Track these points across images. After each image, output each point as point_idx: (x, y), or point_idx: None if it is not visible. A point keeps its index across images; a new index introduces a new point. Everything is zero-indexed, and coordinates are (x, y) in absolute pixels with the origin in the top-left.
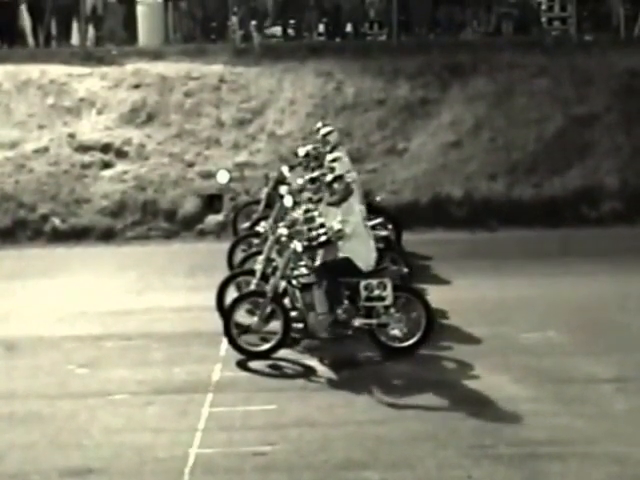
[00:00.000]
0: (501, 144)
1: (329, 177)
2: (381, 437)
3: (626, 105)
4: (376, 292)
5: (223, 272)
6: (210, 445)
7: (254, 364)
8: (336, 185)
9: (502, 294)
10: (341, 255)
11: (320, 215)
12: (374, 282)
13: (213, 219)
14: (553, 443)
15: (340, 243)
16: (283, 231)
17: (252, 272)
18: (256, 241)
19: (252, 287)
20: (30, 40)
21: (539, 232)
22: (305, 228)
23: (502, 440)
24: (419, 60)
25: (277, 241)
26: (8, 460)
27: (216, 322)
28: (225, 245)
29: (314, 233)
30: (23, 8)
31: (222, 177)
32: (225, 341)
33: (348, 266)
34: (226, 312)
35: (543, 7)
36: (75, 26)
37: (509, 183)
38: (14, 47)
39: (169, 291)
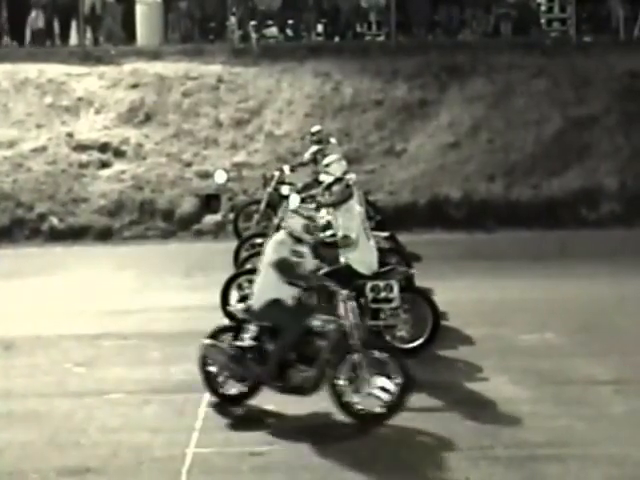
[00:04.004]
0: (499, 145)
1: (329, 180)
2: (380, 438)
3: (625, 107)
4: (383, 294)
5: (221, 272)
6: (207, 445)
7: None
8: (335, 187)
9: (500, 295)
10: (342, 261)
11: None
12: (381, 284)
13: (210, 219)
14: (552, 445)
15: (342, 249)
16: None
17: (256, 271)
18: (260, 241)
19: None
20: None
21: (537, 233)
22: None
23: (500, 442)
24: (417, 61)
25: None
26: (6, 459)
27: (213, 321)
28: (223, 245)
29: (320, 235)
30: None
31: (220, 177)
32: None
33: (348, 273)
34: (230, 312)
35: (542, 8)
36: (74, 25)
37: (507, 184)
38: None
39: (166, 290)
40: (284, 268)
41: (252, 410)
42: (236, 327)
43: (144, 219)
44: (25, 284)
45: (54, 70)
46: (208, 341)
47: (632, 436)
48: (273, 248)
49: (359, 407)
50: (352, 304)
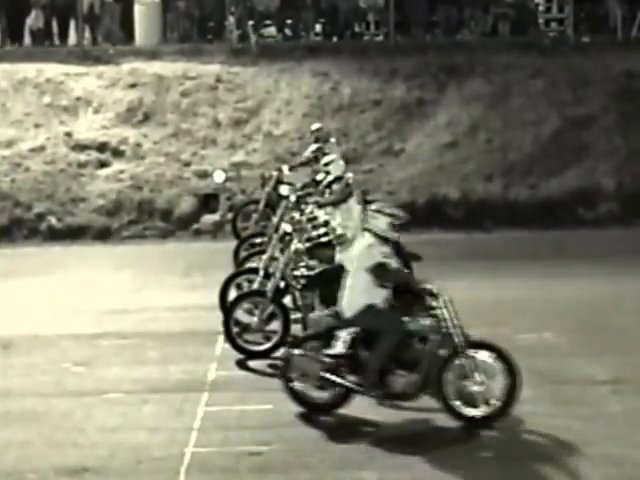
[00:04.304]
0: (497, 145)
1: (329, 178)
2: (377, 437)
3: (623, 107)
4: None
5: (219, 271)
6: (206, 444)
7: (250, 363)
8: (335, 186)
9: (498, 295)
10: (337, 261)
11: (326, 214)
12: None
13: (209, 219)
14: (550, 444)
15: (338, 248)
16: (287, 228)
17: (255, 271)
18: (259, 240)
19: (255, 286)
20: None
21: (535, 233)
22: (309, 226)
23: (499, 441)
24: (416, 61)
25: (281, 239)
26: (4, 459)
27: (212, 321)
28: (221, 245)
29: (314, 233)
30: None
31: (218, 177)
32: (221, 340)
33: (341, 273)
34: (226, 310)
35: (540, 8)
36: (72, 25)
37: (505, 184)
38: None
39: (165, 290)
40: (382, 273)
41: (250, 410)
42: (324, 335)
43: (143, 219)
44: (23, 284)
45: (52, 70)
46: (297, 351)
47: (630, 436)
48: (363, 253)
49: (466, 410)
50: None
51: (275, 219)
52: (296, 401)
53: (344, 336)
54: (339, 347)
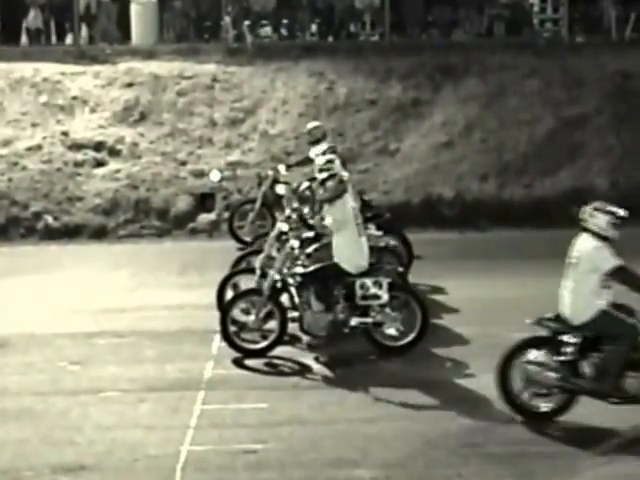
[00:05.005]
0: (492, 145)
1: (322, 175)
2: (372, 435)
3: (617, 107)
4: (372, 291)
5: (215, 270)
6: (202, 442)
7: (246, 362)
8: (329, 183)
9: (493, 294)
10: (333, 259)
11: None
12: (369, 281)
13: (205, 218)
14: (543, 442)
15: (334, 244)
16: (283, 227)
17: (252, 270)
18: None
19: (252, 285)
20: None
21: (529, 233)
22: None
23: (492, 439)
24: (411, 61)
25: (277, 238)
26: (0, 457)
27: (208, 320)
28: (217, 244)
29: (308, 233)
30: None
31: (214, 176)
32: (217, 339)
33: (337, 271)
34: (223, 310)
35: (535, 8)
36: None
37: (500, 184)
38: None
39: (161, 289)
40: (625, 275)
41: (246, 408)
42: (542, 341)
43: (139, 218)
44: (20, 282)
45: (49, 69)
46: (530, 358)
47: (625, 435)
48: (594, 255)
49: None
50: None
51: (281, 217)
52: (515, 410)
53: (573, 341)
54: (569, 353)
